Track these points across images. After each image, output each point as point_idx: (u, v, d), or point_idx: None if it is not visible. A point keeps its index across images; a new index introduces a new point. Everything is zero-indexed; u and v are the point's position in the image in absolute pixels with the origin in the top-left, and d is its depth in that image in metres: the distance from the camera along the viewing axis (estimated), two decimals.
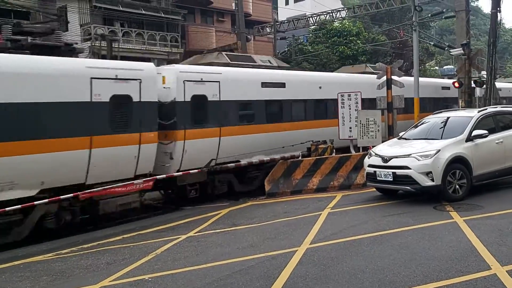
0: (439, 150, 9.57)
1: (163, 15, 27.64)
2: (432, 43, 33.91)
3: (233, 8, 30.80)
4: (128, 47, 25.38)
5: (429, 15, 27.39)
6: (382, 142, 12.67)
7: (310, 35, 37.67)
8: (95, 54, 23.70)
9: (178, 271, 6.52)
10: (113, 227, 10.29)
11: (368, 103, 15.78)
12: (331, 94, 15.74)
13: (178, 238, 8.57)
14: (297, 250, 6.96)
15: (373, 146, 11.91)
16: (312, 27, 37.44)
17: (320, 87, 16.09)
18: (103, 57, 22.10)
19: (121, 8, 25.40)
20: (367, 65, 20.22)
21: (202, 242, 8.15)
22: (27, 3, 24.38)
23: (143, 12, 26.49)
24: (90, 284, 6.27)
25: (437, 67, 52.47)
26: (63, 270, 7.12)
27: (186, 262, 6.95)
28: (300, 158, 13.62)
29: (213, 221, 9.98)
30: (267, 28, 36.93)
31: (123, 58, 20.44)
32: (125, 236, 9.26)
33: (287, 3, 55.77)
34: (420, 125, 11.59)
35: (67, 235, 9.82)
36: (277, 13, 49.38)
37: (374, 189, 10.96)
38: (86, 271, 6.99)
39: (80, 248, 8.44)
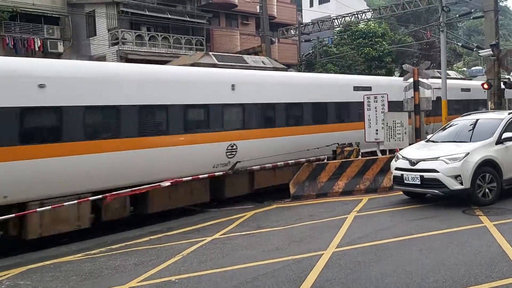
0: (468, 153, 9.39)
1: (188, 19, 27.88)
2: (460, 44, 33.25)
3: (258, 11, 30.83)
4: (154, 51, 25.69)
5: (457, 15, 26.89)
6: (409, 144, 12.50)
7: (335, 36, 37.43)
8: (122, 58, 24.11)
9: (204, 273, 6.57)
10: (140, 228, 10.42)
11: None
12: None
13: (204, 240, 8.63)
14: (323, 254, 6.93)
15: (400, 149, 11.76)
16: (337, 28, 37.21)
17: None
18: (129, 60, 22.47)
19: (147, 13, 25.73)
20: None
21: (227, 244, 8.19)
22: (57, 8, 25.01)
23: (169, 16, 26.79)
24: (118, 285, 6.37)
25: (465, 68, 51.50)
26: (92, 270, 7.26)
27: (212, 264, 7.00)
28: (325, 160, 13.55)
29: (238, 223, 10.02)
30: (292, 31, 36.89)
31: (150, 62, 20.72)
32: (152, 237, 9.38)
33: (311, 5, 55.55)
34: (449, 127, 11.40)
35: (96, 235, 10.00)
36: (302, 15, 49.15)
37: (401, 193, 10.82)
38: (114, 271, 7.11)
39: (109, 249, 8.59)
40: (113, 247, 8.75)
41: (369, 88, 16.45)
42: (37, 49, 23.25)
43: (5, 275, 7.36)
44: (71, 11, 25.71)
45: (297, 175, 12.50)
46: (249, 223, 9.90)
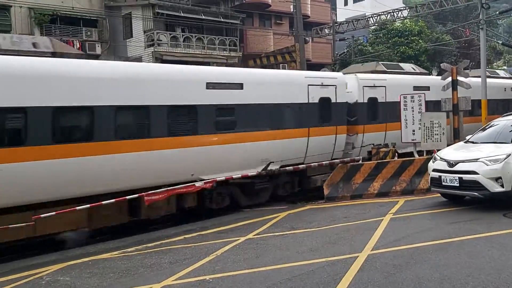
0: (509, 155, 9.08)
1: (222, 20, 28.10)
2: (500, 42, 32.23)
3: (291, 10, 30.75)
4: (189, 52, 26.01)
5: (497, 12, 26.08)
6: (447, 146, 12.19)
7: (370, 35, 36.94)
8: (157, 59, 24.51)
9: (238, 273, 6.59)
10: (175, 227, 10.57)
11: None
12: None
13: (238, 239, 8.66)
14: (358, 256, 6.83)
15: (438, 150, 11.48)
16: (372, 27, 36.68)
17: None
18: (164, 61, 22.81)
19: (182, 14, 26.07)
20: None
21: (261, 244, 8.19)
22: (95, 11, 25.65)
23: (203, 17, 27.05)
24: (154, 283, 6.46)
25: (505, 67, 49.80)
26: (128, 268, 7.40)
27: (246, 264, 7.02)
28: (360, 161, 13.38)
29: (272, 224, 10.00)
30: (326, 30, 36.60)
31: (184, 62, 20.99)
32: (186, 236, 9.48)
33: (346, 3, 54.98)
34: (489, 128, 11.05)
35: (133, 233, 10.19)
36: (336, 14, 48.74)
37: (439, 195, 10.56)
38: (150, 269, 7.22)
39: (145, 247, 8.74)
40: (148, 245, 8.89)
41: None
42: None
43: (45, 271, 7.59)
44: (109, 13, 26.33)
45: (331, 176, 12.39)
46: (282, 224, 9.88)
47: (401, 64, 19.54)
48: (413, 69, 19.26)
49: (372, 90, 15.58)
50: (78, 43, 24.11)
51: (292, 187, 13.63)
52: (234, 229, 9.81)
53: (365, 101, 15.40)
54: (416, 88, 16.50)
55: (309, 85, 13.44)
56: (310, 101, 13.43)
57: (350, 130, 14.76)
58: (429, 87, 17.04)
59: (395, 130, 15.15)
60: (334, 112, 14.00)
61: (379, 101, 15.73)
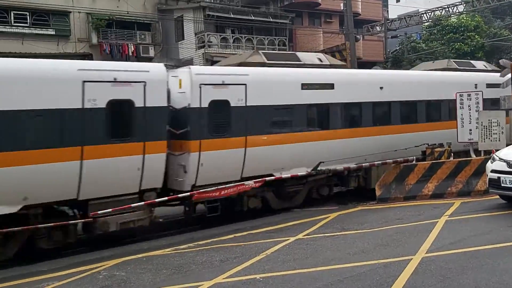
0: None
1: (271, 20, 28.17)
2: None
3: (341, 8, 30.36)
4: (238, 52, 26.26)
5: None
6: (507, 145, 11.64)
7: (424, 32, 35.82)
8: (208, 60, 24.90)
9: (288, 273, 6.59)
10: (226, 226, 10.69)
11: None
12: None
13: (287, 239, 8.66)
14: (411, 259, 6.65)
15: (497, 150, 10.98)
16: (426, 23, 35.56)
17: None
18: (214, 63, 23.15)
19: (232, 15, 26.37)
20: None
21: (311, 245, 8.15)
22: (149, 15, 26.40)
23: (253, 18, 27.24)
24: (206, 280, 6.57)
25: None
26: (181, 264, 7.57)
27: (296, 264, 7.00)
28: (414, 162, 13.02)
29: (322, 224, 9.93)
30: (377, 27, 35.83)
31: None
32: (236, 235, 9.58)
33: (398, 0, 53.64)
34: None
35: (184, 231, 10.41)
36: (388, 10, 47.63)
37: (497, 197, 10.09)
38: (202, 267, 7.36)
39: (196, 245, 8.90)
40: (200, 243, 9.05)
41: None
42: (130, 54, 24.74)
43: (102, 266, 7.90)
44: (161, 17, 27.01)
45: (383, 176, 12.14)
46: (333, 225, 9.78)
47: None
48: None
49: (220, 90, 10.93)
50: (132, 46, 24.89)
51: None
52: (283, 229, 9.81)
53: (205, 105, 10.66)
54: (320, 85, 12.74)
55: (84, 81, 9.19)
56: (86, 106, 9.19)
57: (175, 148, 10.66)
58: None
59: (265, 146, 11.50)
60: (141, 122, 9.82)
61: (232, 105, 11.11)
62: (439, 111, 15.54)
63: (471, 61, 18.64)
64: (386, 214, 10.23)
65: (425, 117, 15.10)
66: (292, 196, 12.46)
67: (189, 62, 24.79)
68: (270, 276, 6.48)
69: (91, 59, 20.58)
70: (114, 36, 24.90)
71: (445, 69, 16.80)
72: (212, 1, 29.78)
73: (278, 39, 28.47)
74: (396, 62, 33.08)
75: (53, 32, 23.15)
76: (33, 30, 22.39)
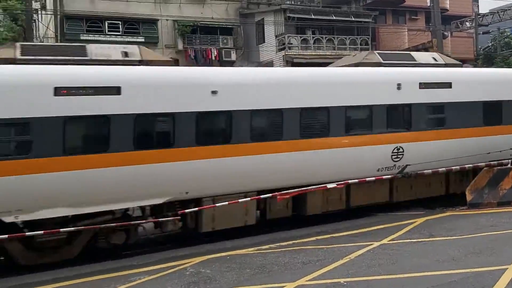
0: None
1: (353, 19, 27.67)
2: None
3: (428, 4, 29.11)
4: (319, 53, 26.07)
5: None
6: None
7: None
8: (288, 62, 24.98)
9: (373, 278, 6.44)
10: (308, 228, 10.64)
11: None
12: None
13: (371, 244, 8.46)
14: (507, 269, 6.24)
15: None
16: None
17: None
18: (295, 64, 23.17)
19: (312, 16, 26.26)
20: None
21: (396, 250, 7.89)
22: (231, 20, 27.08)
23: (334, 18, 26.92)
24: (288, 282, 6.60)
25: None
26: (263, 265, 7.66)
27: (381, 270, 6.82)
28: (509, 165, 12.15)
29: (408, 229, 9.58)
30: (467, 23, 33.88)
31: (315, 64, 21.06)
32: (318, 237, 9.52)
33: None
34: None
35: (267, 232, 10.53)
36: (478, 5, 44.88)
37: None
38: (284, 268, 7.40)
39: (278, 246, 8.96)
40: (282, 244, 9.09)
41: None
42: (213, 58, 25.50)
43: (188, 262, 8.20)
44: (243, 21, 27.55)
45: (474, 181, 11.46)
46: (420, 230, 9.39)
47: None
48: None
49: None
50: (215, 51, 25.64)
51: None
52: (366, 233, 9.59)
53: None
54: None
55: None
56: None
57: None
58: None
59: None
60: None
61: None
62: None
63: (411, 53, 14.66)
64: (478, 220, 9.67)
65: None
66: None
67: (269, 65, 25.05)
68: (355, 281, 6.38)
69: (178, 64, 21.44)
70: (198, 42, 25.80)
71: (359, 64, 12.86)
72: (293, 2, 29.87)
73: (360, 38, 27.88)
74: (487, 59, 31.07)
75: (143, 39, 24.44)
76: (125, 38, 23.78)
